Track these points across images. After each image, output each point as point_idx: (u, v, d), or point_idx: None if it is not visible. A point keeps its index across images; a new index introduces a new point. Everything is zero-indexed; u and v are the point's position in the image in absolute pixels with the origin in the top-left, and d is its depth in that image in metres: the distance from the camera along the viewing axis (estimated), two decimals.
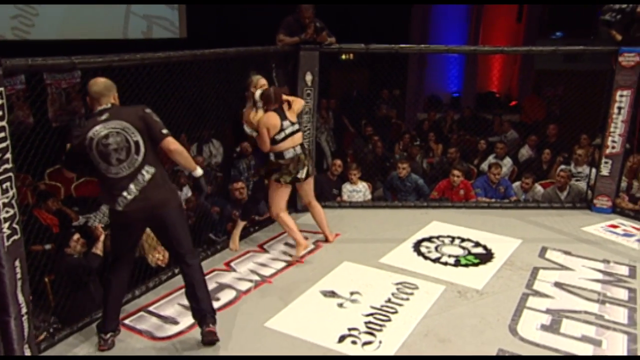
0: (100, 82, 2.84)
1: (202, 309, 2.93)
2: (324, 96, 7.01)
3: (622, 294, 3.62)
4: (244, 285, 3.70)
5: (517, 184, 5.92)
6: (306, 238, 4.25)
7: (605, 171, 5.10)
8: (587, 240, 4.55)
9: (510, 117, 8.41)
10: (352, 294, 3.56)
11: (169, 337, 3.11)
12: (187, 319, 3.21)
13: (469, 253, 4.23)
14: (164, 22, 8.65)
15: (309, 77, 4.84)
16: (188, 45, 7.57)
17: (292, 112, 4.02)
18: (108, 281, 3.02)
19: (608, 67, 4.99)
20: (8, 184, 2.52)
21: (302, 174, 4.05)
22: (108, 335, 2.97)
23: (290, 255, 4.16)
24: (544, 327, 3.19)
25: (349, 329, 3.14)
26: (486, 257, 4.16)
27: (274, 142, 3.93)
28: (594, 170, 5.30)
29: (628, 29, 4.86)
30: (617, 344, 3.07)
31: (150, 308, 3.41)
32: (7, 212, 2.52)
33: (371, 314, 3.31)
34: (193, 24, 8.74)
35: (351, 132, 8.23)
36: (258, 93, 3.95)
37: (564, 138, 6.57)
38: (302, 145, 4.08)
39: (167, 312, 3.36)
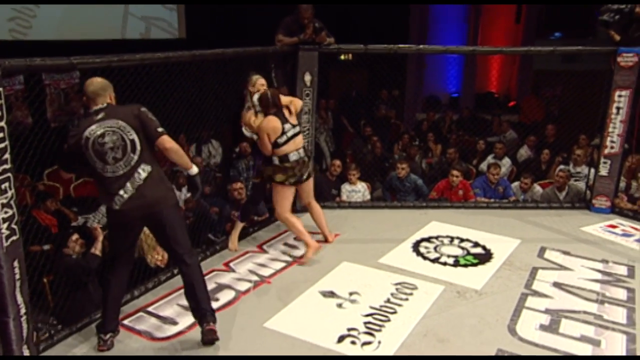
0: (96, 82, 2.85)
1: (202, 308, 2.93)
2: (323, 96, 7.01)
3: (621, 293, 3.63)
4: (243, 286, 3.70)
5: (516, 184, 5.92)
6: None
7: (604, 171, 5.10)
8: (585, 240, 4.55)
9: (509, 117, 8.41)
10: (351, 294, 3.56)
11: (168, 338, 3.11)
12: (186, 320, 3.22)
13: (468, 253, 4.24)
14: (162, 24, 8.64)
15: (307, 78, 4.84)
16: (187, 45, 7.57)
17: (292, 115, 4.02)
18: (107, 281, 3.01)
19: (606, 67, 5.00)
20: (7, 184, 2.52)
21: (305, 175, 4.06)
22: (107, 336, 2.97)
23: (290, 256, 4.16)
24: (543, 327, 3.20)
25: (348, 329, 3.14)
26: (485, 257, 4.17)
27: (276, 145, 3.91)
28: (592, 170, 5.30)
29: (626, 30, 4.86)
30: (616, 343, 3.07)
31: (150, 308, 3.41)
32: (5, 212, 2.52)
33: (370, 314, 3.31)
34: (192, 24, 8.74)
35: (350, 133, 8.23)
36: (256, 97, 3.93)
37: (563, 138, 6.58)
38: (304, 148, 4.09)
39: (166, 313, 3.35)
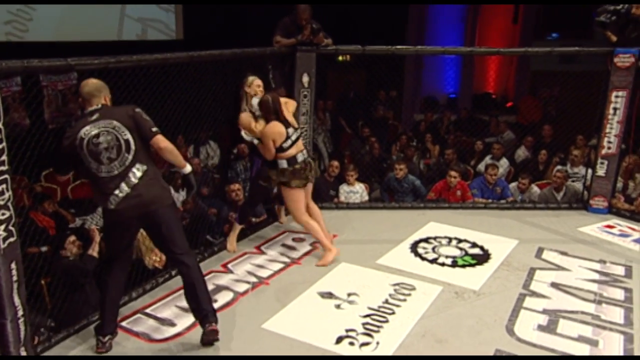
0: (91, 83, 2.86)
1: (204, 309, 2.92)
2: (321, 97, 7.01)
3: (618, 294, 3.64)
4: (241, 287, 3.70)
5: (513, 184, 5.94)
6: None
7: (601, 172, 5.12)
8: (583, 240, 4.56)
9: (507, 118, 8.43)
10: (349, 295, 3.56)
11: (166, 339, 3.10)
12: (185, 321, 3.21)
13: (466, 254, 4.24)
14: (159, 25, 8.63)
15: (305, 79, 4.85)
16: (185, 47, 7.55)
17: (293, 118, 4.02)
18: (104, 283, 3.00)
19: (603, 68, 5.01)
20: (4, 186, 2.52)
21: (312, 177, 4.07)
22: (106, 338, 2.96)
23: (288, 257, 4.16)
24: (540, 328, 3.20)
25: (347, 330, 3.14)
26: (483, 257, 4.17)
27: (281, 149, 3.88)
28: (590, 170, 5.32)
29: (623, 30, 4.88)
30: (614, 344, 3.08)
31: (147, 310, 3.40)
32: (3, 214, 2.52)
33: (368, 315, 3.31)
34: (190, 25, 8.73)
35: (348, 134, 8.24)
36: (255, 101, 3.93)
37: (560, 139, 6.59)
38: (306, 149, 4.09)
39: (164, 314, 3.35)
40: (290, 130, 3.91)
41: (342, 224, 4.81)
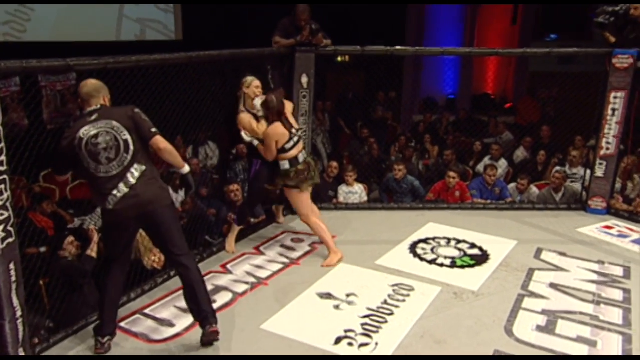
0: (90, 84, 2.85)
1: (204, 310, 2.91)
2: (319, 98, 7.01)
3: (617, 294, 3.64)
4: (240, 288, 3.70)
5: (512, 185, 5.94)
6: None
7: (599, 172, 5.12)
8: (582, 241, 4.57)
9: (506, 118, 8.45)
10: (348, 295, 3.56)
11: (165, 340, 3.10)
12: (183, 322, 3.21)
13: (465, 254, 4.24)
14: (158, 26, 8.62)
15: (304, 79, 4.85)
16: (184, 47, 7.54)
17: (293, 119, 4.02)
18: (103, 284, 3.00)
19: (602, 69, 5.02)
20: (3, 186, 2.52)
21: (317, 178, 4.07)
22: (105, 339, 2.95)
23: (287, 257, 4.16)
24: (539, 328, 3.20)
25: (345, 331, 3.14)
26: (482, 258, 4.17)
27: (283, 150, 3.88)
28: (588, 171, 5.32)
29: (621, 31, 4.89)
30: (612, 344, 3.08)
31: (146, 311, 3.40)
32: (1, 214, 2.52)
33: (367, 316, 3.31)
34: (189, 26, 8.73)
35: (347, 134, 8.24)
36: (259, 102, 3.92)
37: (559, 140, 6.60)
38: (306, 150, 4.10)
39: (163, 315, 3.35)
40: (293, 131, 3.92)
41: (341, 225, 4.81)
